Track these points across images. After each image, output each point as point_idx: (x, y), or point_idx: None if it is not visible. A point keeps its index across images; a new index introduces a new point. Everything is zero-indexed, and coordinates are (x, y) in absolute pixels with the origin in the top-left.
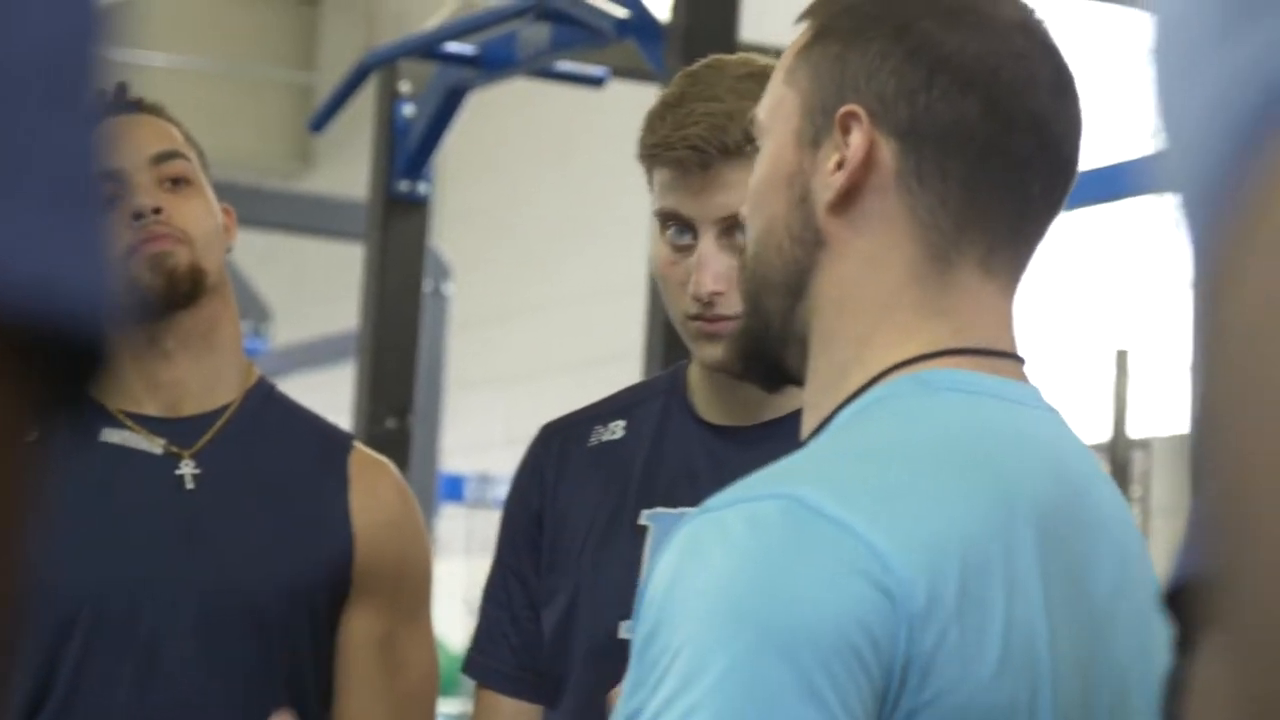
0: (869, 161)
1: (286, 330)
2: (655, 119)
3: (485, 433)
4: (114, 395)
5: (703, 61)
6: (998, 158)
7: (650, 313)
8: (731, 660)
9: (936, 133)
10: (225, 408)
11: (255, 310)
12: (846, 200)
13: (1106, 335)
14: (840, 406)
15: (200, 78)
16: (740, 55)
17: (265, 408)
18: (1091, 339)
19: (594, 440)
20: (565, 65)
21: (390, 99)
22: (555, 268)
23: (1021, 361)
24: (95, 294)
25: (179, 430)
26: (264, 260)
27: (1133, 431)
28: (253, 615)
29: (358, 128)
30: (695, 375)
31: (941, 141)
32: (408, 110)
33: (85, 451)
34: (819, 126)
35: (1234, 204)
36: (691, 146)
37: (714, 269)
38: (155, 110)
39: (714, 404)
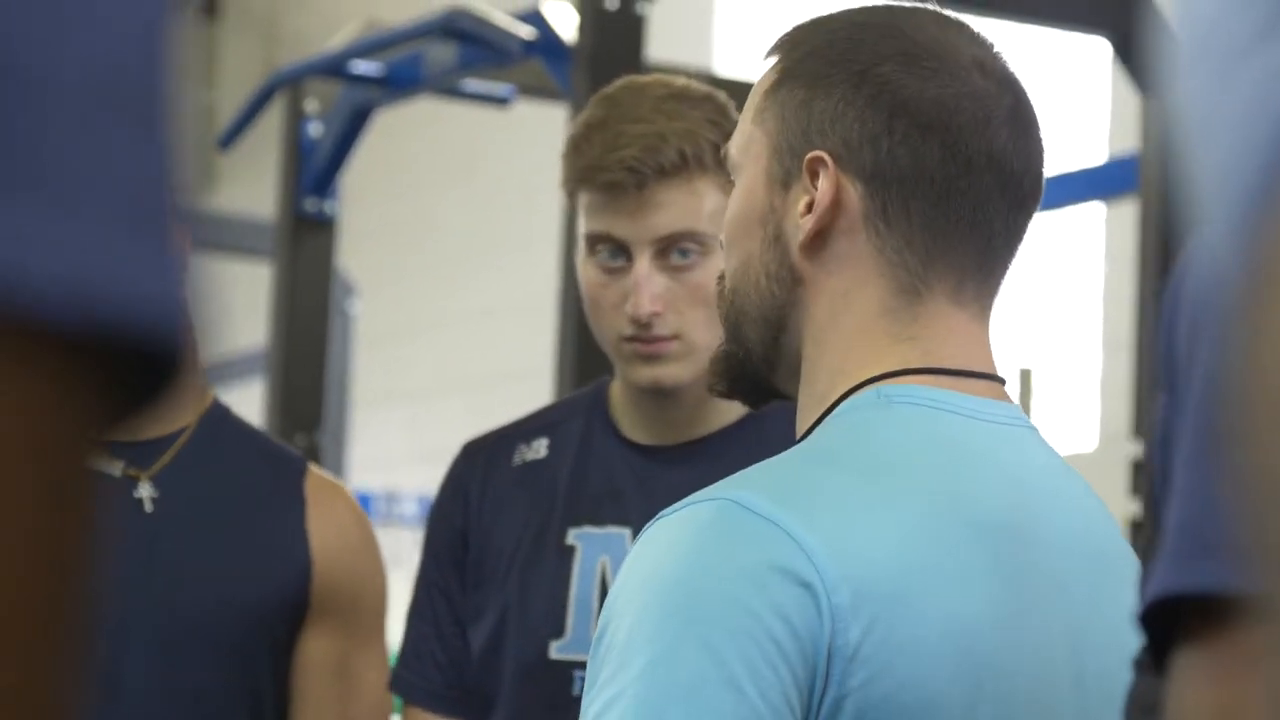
0: (836, 205)
1: None
2: (580, 142)
3: (391, 449)
4: None
5: (618, 84)
6: (959, 197)
7: (561, 329)
8: (656, 651)
9: (899, 176)
10: (182, 431)
11: None
12: (817, 242)
13: (1010, 354)
14: (814, 426)
15: None
16: (654, 76)
17: (220, 430)
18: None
19: (518, 459)
20: (472, 84)
21: (296, 118)
22: (461, 284)
23: (999, 381)
24: (162, 306)
25: (136, 453)
26: None
27: None
28: (211, 638)
29: (261, 146)
30: (618, 394)
31: (904, 184)
32: (314, 129)
33: None
34: (788, 168)
35: (1276, 207)
36: (628, 168)
37: (651, 290)
38: None
39: (638, 423)
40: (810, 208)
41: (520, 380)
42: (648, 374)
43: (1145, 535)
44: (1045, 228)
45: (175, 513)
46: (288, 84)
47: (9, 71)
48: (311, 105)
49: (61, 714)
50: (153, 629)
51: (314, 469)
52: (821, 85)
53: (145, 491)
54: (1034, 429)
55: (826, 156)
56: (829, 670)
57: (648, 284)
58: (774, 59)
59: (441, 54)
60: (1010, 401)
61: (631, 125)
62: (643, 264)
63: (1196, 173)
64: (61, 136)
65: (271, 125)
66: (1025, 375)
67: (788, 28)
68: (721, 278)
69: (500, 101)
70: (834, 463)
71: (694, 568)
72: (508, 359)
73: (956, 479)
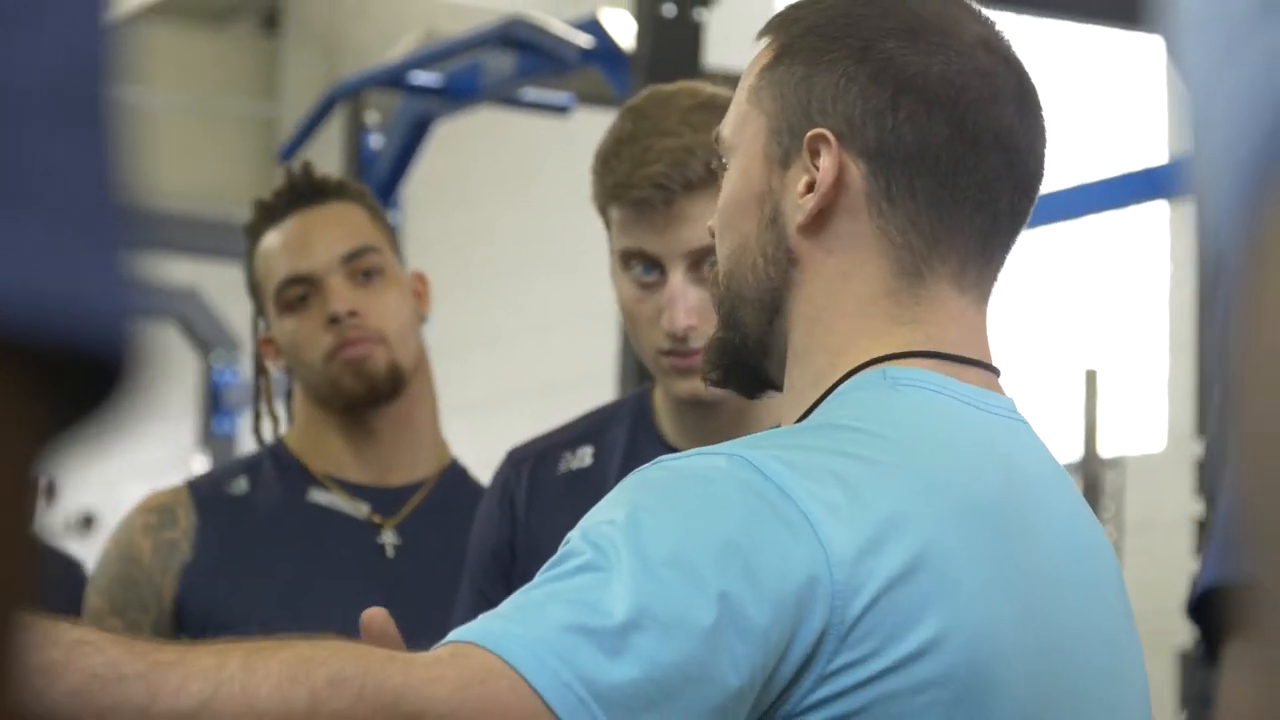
0: (839, 184)
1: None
2: (609, 158)
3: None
4: (322, 459)
5: (644, 94)
6: (965, 176)
7: (623, 337)
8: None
9: (904, 154)
10: (423, 482)
11: (225, 342)
12: (818, 222)
13: (1076, 355)
14: (814, 406)
15: (164, 112)
16: (682, 85)
17: (458, 487)
18: (1061, 359)
19: (563, 468)
20: (530, 94)
21: (357, 130)
22: (522, 293)
23: (995, 372)
24: (107, 313)
25: (381, 499)
26: (233, 292)
27: (1104, 450)
28: None
29: (323, 159)
30: (661, 401)
31: (910, 163)
32: (375, 141)
33: (292, 509)
34: (787, 147)
35: (1275, 187)
36: (655, 184)
37: (686, 304)
38: (341, 192)
39: (683, 430)
40: (811, 187)
41: (581, 389)
42: (687, 387)
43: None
44: (1110, 228)
45: (416, 561)
46: (348, 96)
47: None
48: (372, 117)
49: None
50: None
51: None
52: (822, 62)
53: (388, 538)
54: (1026, 422)
55: (829, 134)
56: (818, 646)
57: (682, 298)
58: (768, 38)
59: (500, 63)
60: (1003, 393)
61: (659, 139)
62: (676, 278)
63: (1199, 151)
64: (8, 142)
65: (332, 137)
66: (1091, 376)
67: (783, 7)
68: (713, 263)
69: (559, 110)
70: (845, 438)
71: (700, 496)
72: (568, 367)
73: (958, 463)
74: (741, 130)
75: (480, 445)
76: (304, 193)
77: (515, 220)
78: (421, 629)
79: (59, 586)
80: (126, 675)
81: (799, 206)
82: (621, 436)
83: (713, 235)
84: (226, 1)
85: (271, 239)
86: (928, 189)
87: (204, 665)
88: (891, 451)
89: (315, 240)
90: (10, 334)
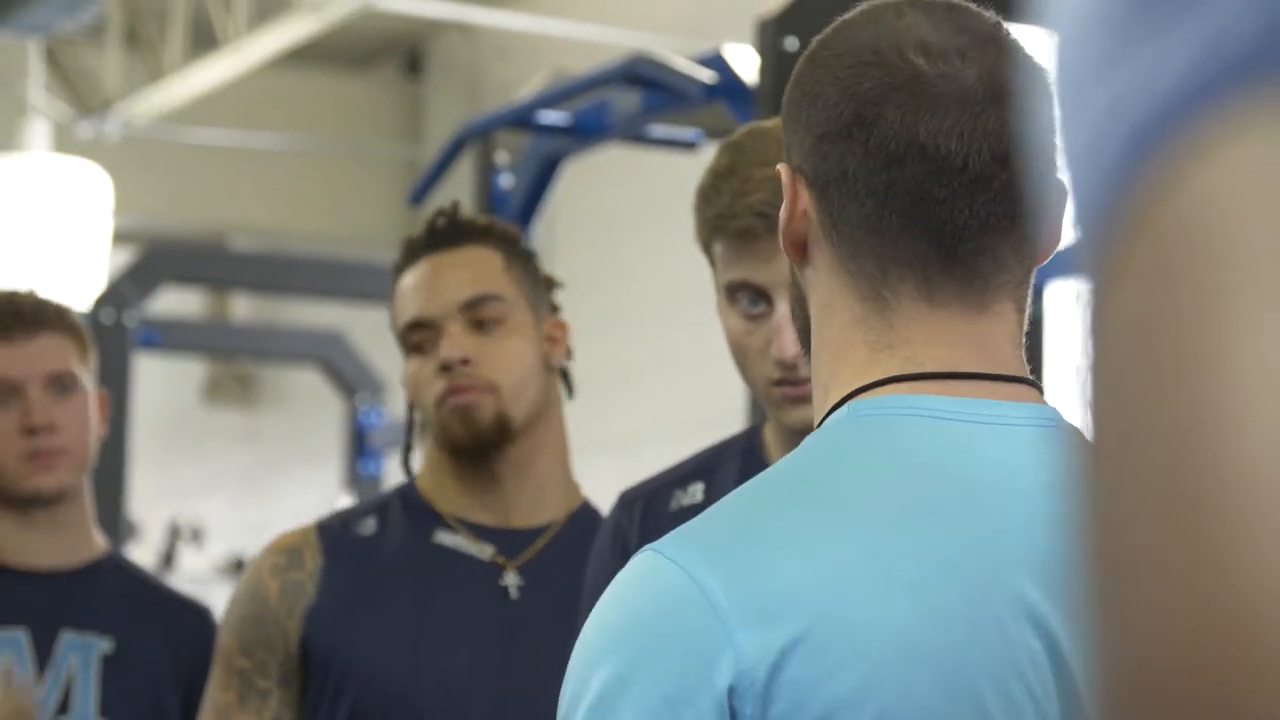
0: (803, 217)
1: (403, 402)
2: (709, 192)
3: (601, 497)
4: (448, 500)
5: (741, 130)
6: (885, 192)
7: None
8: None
9: (833, 180)
10: (549, 526)
11: (370, 384)
12: (798, 254)
13: None
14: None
15: (307, 156)
16: (778, 120)
17: (587, 530)
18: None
19: (674, 505)
20: (658, 130)
21: (487, 170)
22: (668, 331)
23: (998, 379)
24: None
25: (505, 541)
26: (377, 333)
27: None
28: None
29: (459, 199)
30: (772, 436)
31: (838, 189)
32: (505, 181)
33: (417, 550)
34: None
35: (1105, 249)
36: (757, 213)
37: (793, 333)
38: (480, 235)
39: None
40: None
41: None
42: (799, 416)
43: None
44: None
45: (539, 605)
46: (478, 137)
47: None
48: (502, 157)
49: None
50: (507, 710)
51: None
52: (798, 102)
53: (511, 580)
54: (1057, 429)
55: (784, 169)
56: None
57: (790, 327)
58: None
59: (626, 101)
60: (1019, 399)
61: (758, 170)
62: (783, 307)
63: (1070, 194)
64: None
65: (464, 179)
66: None
67: None
68: None
69: (687, 146)
70: (780, 496)
71: (620, 620)
72: (716, 404)
73: (898, 493)
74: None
75: (627, 482)
76: (441, 235)
77: (659, 257)
78: (542, 670)
79: (188, 634)
80: None
81: None
82: (733, 472)
83: None
84: (369, 45)
85: (406, 280)
86: (858, 212)
87: None
88: (826, 501)
89: (440, 285)
90: None
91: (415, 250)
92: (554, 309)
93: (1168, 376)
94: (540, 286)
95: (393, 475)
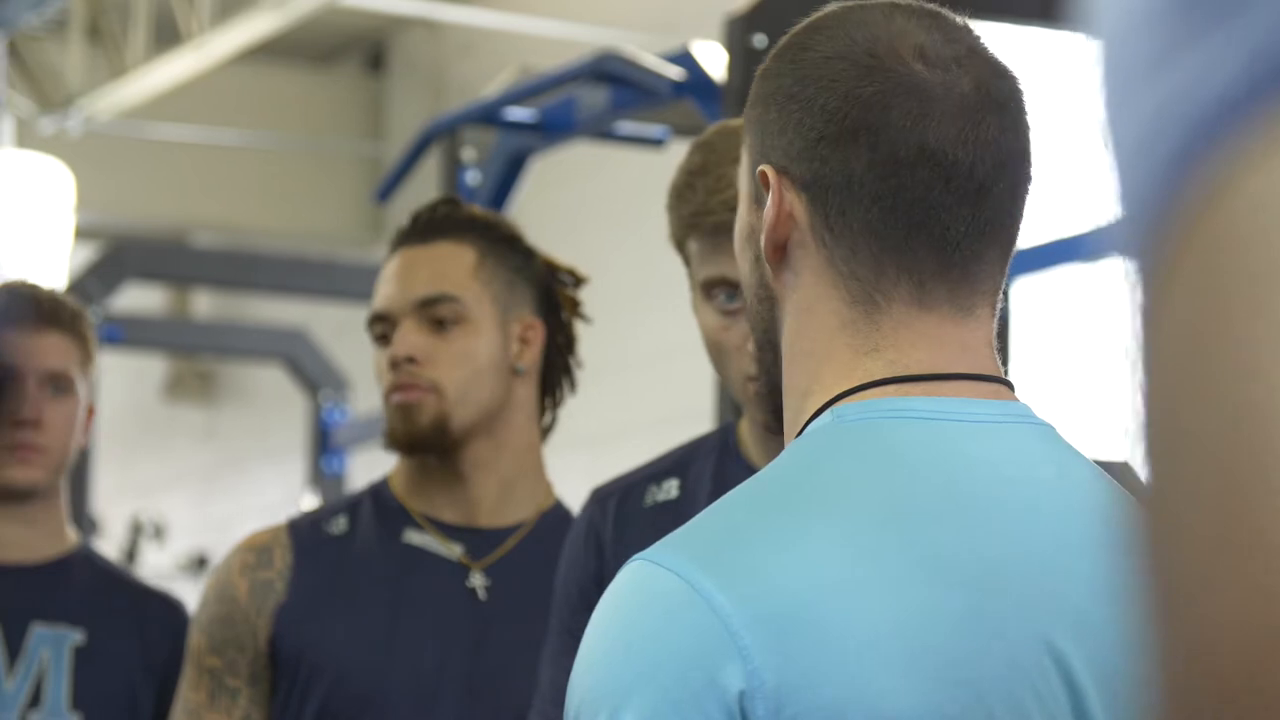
0: (789, 219)
1: (367, 399)
2: (683, 190)
3: (575, 494)
4: (418, 499)
5: (712, 128)
6: (893, 198)
7: None
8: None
9: (833, 184)
10: (519, 526)
11: (333, 381)
12: (777, 257)
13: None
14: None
15: (272, 151)
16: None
17: (557, 530)
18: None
19: (649, 501)
20: (625, 127)
21: (454, 166)
22: (634, 327)
23: (989, 380)
24: None
25: (474, 540)
26: (341, 331)
27: None
28: None
29: (422, 196)
30: (748, 430)
31: (839, 192)
32: (472, 177)
33: (386, 549)
34: (757, 186)
35: (1156, 252)
36: (733, 209)
37: None
38: (458, 230)
39: (772, 458)
40: None
41: (698, 421)
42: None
43: None
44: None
45: (507, 605)
46: (444, 134)
47: None
48: (468, 154)
49: None
50: (472, 710)
51: None
52: (774, 97)
53: (478, 580)
54: (1035, 425)
55: (769, 170)
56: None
57: None
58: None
59: (593, 98)
60: (1005, 399)
61: (731, 167)
62: None
63: (1111, 197)
64: None
65: (430, 175)
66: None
67: None
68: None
69: (655, 143)
70: (769, 501)
71: (613, 636)
72: (682, 401)
73: (888, 495)
74: (740, 174)
75: (597, 478)
76: (419, 228)
77: (623, 254)
78: (509, 671)
79: (160, 627)
80: None
81: (760, 243)
82: (708, 467)
83: None
84: (333, 41)
85: (383, 271)
86: (861, 216)
87: None
88: (816, 506)
89: (402, 280)
90: None
91: (397, 241)
92: (555, 307)
93: (1219, 384)
94: (520, 286)
95: (356, 472)
